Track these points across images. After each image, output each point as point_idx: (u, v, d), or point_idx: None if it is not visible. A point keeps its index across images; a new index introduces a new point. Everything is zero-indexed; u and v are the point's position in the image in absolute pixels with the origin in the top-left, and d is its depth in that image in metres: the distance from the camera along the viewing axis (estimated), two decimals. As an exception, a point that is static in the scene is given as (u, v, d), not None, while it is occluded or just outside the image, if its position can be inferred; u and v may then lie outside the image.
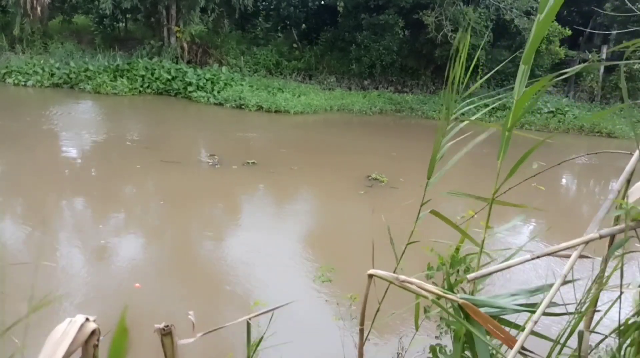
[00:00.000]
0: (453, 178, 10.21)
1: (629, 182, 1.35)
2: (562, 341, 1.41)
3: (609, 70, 20.98)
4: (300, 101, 17.39)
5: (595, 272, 1.44)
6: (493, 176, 1.74)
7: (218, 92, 17.44)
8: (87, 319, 1.29)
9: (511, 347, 1.25)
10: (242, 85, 18.09)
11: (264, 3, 23.32)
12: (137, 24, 21.91)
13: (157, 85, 17.54)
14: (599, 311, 1.50)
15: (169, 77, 17.64)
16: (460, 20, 17.56)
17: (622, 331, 1.39)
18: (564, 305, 1.54)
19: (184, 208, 7.90)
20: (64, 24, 21.64)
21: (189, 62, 19.36)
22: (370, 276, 1.43)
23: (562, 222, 8.58)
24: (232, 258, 6.33)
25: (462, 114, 1.91)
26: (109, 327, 1.30)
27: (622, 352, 1.41)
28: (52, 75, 17.07)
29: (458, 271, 2.12)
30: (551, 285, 1.30)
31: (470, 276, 1.56)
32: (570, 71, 1.47)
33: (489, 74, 2.18)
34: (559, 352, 1.43)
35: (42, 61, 17.50)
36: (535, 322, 1.27)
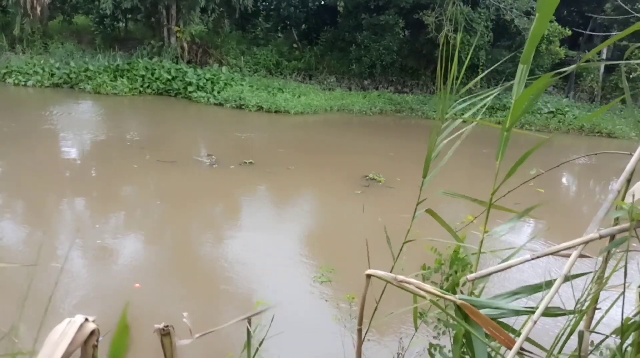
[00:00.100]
0: (453, 178, 10.21)
1: (629, 182, 1.35)
2: (561, 341, 1.41)
3: (609, 70, 20.99)
4: (300, 101, 17.40)
5: (596, 272, 1.44)
6: (493, 176, 1.74)
7: (218, 92, 17.45)
8: (86, 319, 1.29)
9: (510, 348, 1.25)
10: (242, 85, 18.10)
11: (264, 3, 23.33)
12: (137, 24, 21.93)
13: (157, 85, 17.55)
14: (599, 309, 1.50)
15: (169, 77, 17.65)
16: (460, 20, 17.57)
17: (622, 331, 1.39)
18: (564, 305, 1.54)
19: (180, 207, 7.91)
20: (64, 24, 21.65)
21: (189, 62, 19.37)
22: (369, 276, 1.42)
23: (562, 222, 8.59)
24: (228, 257, 6.33)
25: (462, 113, 1.91)
26: (108, 327, 1.30)
27: (622, 352, 1.41)
28: (52, 75, 17.07)
29: (457, 271, 2.11)
30: (553, 282, 1.30)
31: (470, 276, 1.56)
32: (568, 69, 1.47)
33: (485, 73, 2.18)
34: (559, 352, 1.43)
35: (42, 61, 17.50)
36: (535, 322, 1.26)
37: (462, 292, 1.91)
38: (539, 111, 18.41)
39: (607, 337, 1.48)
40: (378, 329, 4.84)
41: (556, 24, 18.97)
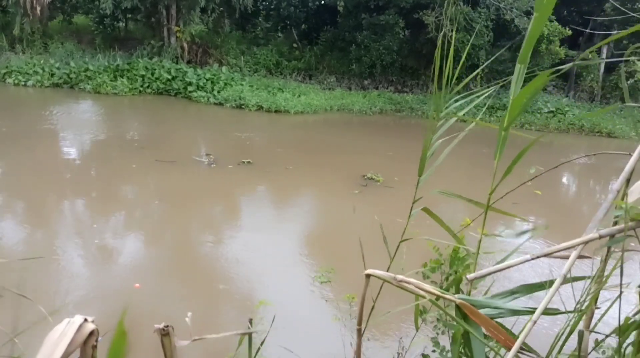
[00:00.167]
0: (453, 178, 10.21)
1: (628, 182, 1.35)
2: (561, 341, 1.41)
3: (609, 70, 20.99)
4: (300, 101, 17.40)
5: (595, 272, 1.44)
6: (498, 177, 1.74)
7: (218, 92, 17.45)
8: (86, 320, 1.28)
9: (510, 348, 1.25)
10: (242, 85, 18.10)
11: (264, 3, 23.33)
12: (137, 24, 21.93)
13: (157, 85, 17.55)
14: (598, 308, 1.50)
15: (169, 77, 17.65)
16: (460, 20, 17.56)
17: (622, 330, 1.39)
18: (564, 304, 1.54)
19: (177, 207, 7.92)
20: (64, 24, 21.66)
21: (189, 62, 19.37)
22: (368, 276, 1.42)
23: (561, 222, 8.59)
24: (227, 256, 6.33)
25: (463, 114, 1.90)
26: (107, 328, 1.30)
27: (622, 352, 1.41)
28: (52, 75, 17.07)
29: (456, 271, 2.11)
30: (552, 281, 1.30)
31: (470, 276, 1.56)
32: (564, 68, 1.48)
33: (478, 70, 2.18)
34: (559, 352, 1.43)
35: (42, 61, 17.50)
36: (535, 322, 1.26)
37: (462, 292, 1.91)
38: (539, 111, 18.40)
39: (607, 336, 1.48)
40: (378, 329, 4.83)
41: (556, 23, 18.97)
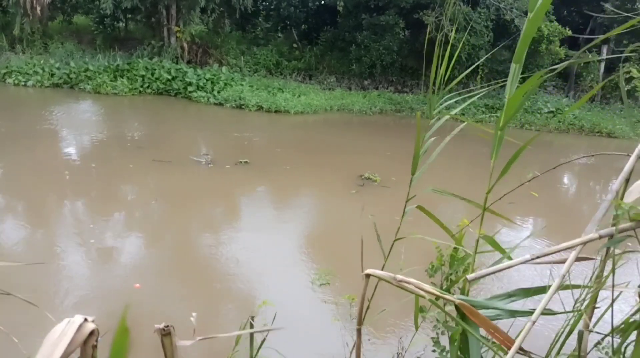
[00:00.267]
0: (452, 178, 10.21)
1: (627, 182, 1.35)
2: (560, 340, 1.41)
3: (609, 70, 20.97)
4: (300, 101, 17.39)
5: (595, 272, 1.44)
6: (493, 176, 1.74)
7: (218, 92, 17.44)
8: (86, 319, 1.29)
9: (508, 348, 1.25)
10: (242, 85, 18.09)
11: (264, 3, 23.32)
12: (137, 24, 21.92)
13: (157, 85, 17.54)
14: (598, 307, 1.50)
15: (169, 77, 17.64)
16: (460, 20, 17.57)
17: (621, 330, 1.39)
18: (563, 304, 1.54)
19: (174, 206, 7.93)
20: (64, 24, 21.65)
21: (189, 62, 19.37)
22: (368, 276, 1.42)
23: (561, 222, 8.58)
24: (225, 256, 6.33)
25: (461, 112, 1.91)
26: (107, 327, 1.30)
27: (622, 351, 1.41)
28: (52, 75, 17.07)
29: (457, 272, 2.11)
30: (549, 287, 1.30)
31: (470, 276, 1.56)
32: (559, 67, 1.48)
33: (473, 66, 2.17)
34: (558, 352, 1.43)
35: (42, 61, 17.50)
36: (534, 322, 1.26)
37: (460, 292, 1.92)
38: (539, 111, 18.40)
39: (605, 336, 1.48)
40: (378, 329, 4.83)
41: (556, 23, 18.97)
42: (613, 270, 1.33)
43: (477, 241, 1.79)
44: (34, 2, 17.97)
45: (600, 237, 1.30)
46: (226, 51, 20.75)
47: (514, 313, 1.41)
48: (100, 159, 10.28)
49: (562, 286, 1.28)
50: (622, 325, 1.39)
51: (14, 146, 10.24)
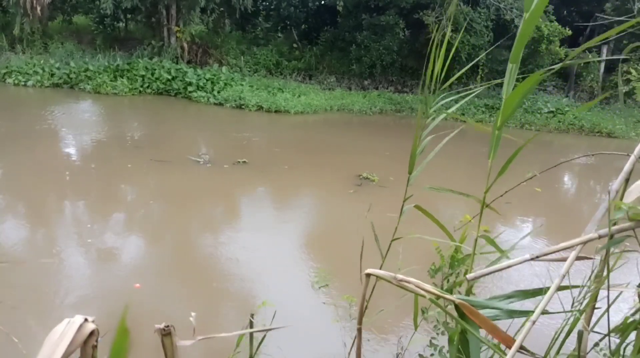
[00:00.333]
0: (452, 178, 10.22)
1: (627, 182, 1.35)
2: (560, 340, 1.41)
3: (609, 70, 20.98)
4: (300, 101, 17.39)
5: (593, 270, 1.44)
6: (492, 176, 1.74)
7: (218, 92, 17.44)
8: (86, 319, 1.29)
9: (509, 347, 1.25)
10: (242, 85, 18.09)
11: (264, 3, 23.32)
12: (137, 24, 21.92)
13: (157, 85, 17.54)
14: (598, 308, 1.50)
15: (169, 77, 17.64)
16: (460, 20, 17.57)
17: (621, 330, 1.39)
18: (562, 304, 1.54)
19: (171, 206, 7.94)
20: (64, 24, 21.64)
21: (189, 62, 19.37)
22: (368, 275, 1.42)
23: (560, 222, 8.59)
24: (224, 255, 6.33)
25: (463, 114, 1.91)
26: (108, 328, 1.30)
27: (622, 351, 1.41)
28: (52, 75, 17.07)
29: (458, 274, 2.11)
30: (547, 289, 1.30)
31: (470, 276, 1.56)
32: (555, 67, 1.49)
33: (465, 68, 2.18)
34: (557, 352, 1.43)
35: (42, 61, 17.50)
36: (534, 322, 1.27)
37: (459, 292, 1.92)
38: (539, 111, 18.40)
39: (605, 335, 1.48)
40: (378, 329, 4.84)
41: (556, 23, 18.97)
42: (609, 270, 1.33)
43: (476, 240, 1.79)
44: (34, 2, 17.97)
45: (600, 237, 1.31)
46: (226, 51, 20.75)
47: (514, 313, 1.41)
48: (99, 159, 10.28)
49: (561, 287, 1.28)
50: (621, 325, 1.39)
51: (14, 146, 10.24)
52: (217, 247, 6.67)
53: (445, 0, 17.80)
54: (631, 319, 1.39)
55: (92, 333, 1.28)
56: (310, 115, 16.96)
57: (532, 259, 1.43)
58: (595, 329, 1.51)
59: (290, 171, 10.29)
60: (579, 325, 1.43)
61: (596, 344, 1.60)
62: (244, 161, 10.29)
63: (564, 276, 1.28)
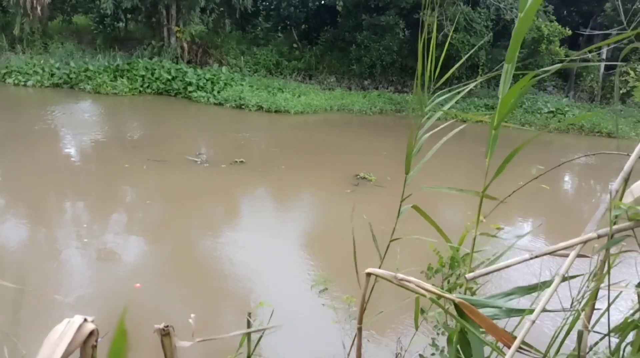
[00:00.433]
0: (451, 179, 10.22)
1: (626, 182, 1.35)
2: (559, 339, 1.41)
3: (609, 70, 20.97)
4: (300, 101, 17.39)
5: (593, 270, 1.44)
6: (491, 175, 1.74)
7: (218, 92, 17.44)
8: (86, 320, 1.29)
9: (508, 346, 1.25)
10: (242, 85, 18.09)
11: (264, 3, 23.32)
12: (137, 24, 21.92)
13: (157, 85, 17.54)
14: (598, 309, 1.50)
15: (169, 77, 17.64)
16: (460, 20, 17.58)
17: (620, 330, 1.39)
18: (562, 304, 1.54)
19: (168, 206, 7.95)
20: (64, 24, 21.64)
21: (189, 62, 19.36)
22: (368, 275, 1.42)
23: (560, 222, 8.58)
24: (224, 255, 6.33)
25: (450, 109, 1.91)
26: (107, 328, 1.30)
27: (622, 351, 1.41)
28: (52, 75, 17.07)
29: (459, 275, 2.11)
30: (548, 283, 1.31)
31: (469, 275, 1.56)
32: (552, 68, 1.49)
33: (459, 62, 2.18)
34: (557, 352, 1.43)
35: (42, 61, 17.49)
36: (534, 321, 1.27)
37: (459, 293, 1.92)
38: (539, 111, 18.40)
39: (604, 335, 1.48)
40: (378, 329, 4.84)
41: (556, 23, 18.96)
42: (610, 268, 1.33)
43: (474, 240, 1.79)
44: (34, 2, 17.97)
45: (599, 237, 1.31)
46: (226, 51, 20.74)
47: (513, 312, 1.41)
48: (99, 159, 10.29)
49: (563, 279, 1.28)
50: (621, 325, 1.39)
51: (14, 146, 10.24)
52: (216, 247, 6.67)
53: (445, 0, 17.81)
54: (630, 319, 1.39)
55: (91, 333, 1.28)
56: (310, 115, 16.95)
57: (531, 258, 1.43)
58: (595, 329, 1.51)
59: (287, 171, 10.28)
60: (579, 325, 1.43)
61: (592, 347, 1.61)
62: (242, 161, 10.29)
63: (564, 275, 1.28)
